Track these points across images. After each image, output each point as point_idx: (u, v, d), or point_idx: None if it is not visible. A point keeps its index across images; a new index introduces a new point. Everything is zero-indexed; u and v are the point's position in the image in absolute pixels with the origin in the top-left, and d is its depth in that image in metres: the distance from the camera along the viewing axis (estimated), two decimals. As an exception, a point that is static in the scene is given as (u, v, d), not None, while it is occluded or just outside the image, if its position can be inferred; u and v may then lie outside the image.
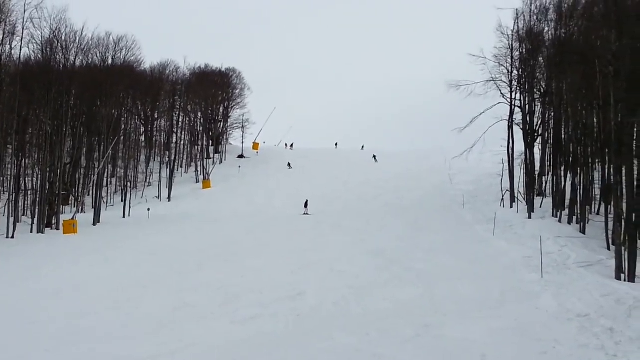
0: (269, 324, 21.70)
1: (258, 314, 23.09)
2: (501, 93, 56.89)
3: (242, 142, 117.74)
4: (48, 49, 64.35)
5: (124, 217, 67.95)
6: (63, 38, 65.24)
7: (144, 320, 22.93)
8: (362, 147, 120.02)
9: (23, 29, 57.54)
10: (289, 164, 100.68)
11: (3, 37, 57.12)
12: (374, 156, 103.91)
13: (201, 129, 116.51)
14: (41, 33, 62.29)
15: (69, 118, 71.51)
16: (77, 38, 68.29)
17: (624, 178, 31.32)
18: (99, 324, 22.51)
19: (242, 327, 21.49)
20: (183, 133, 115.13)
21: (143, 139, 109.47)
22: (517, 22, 56.22)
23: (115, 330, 21.60)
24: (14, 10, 57.10)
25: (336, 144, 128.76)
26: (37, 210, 60.36)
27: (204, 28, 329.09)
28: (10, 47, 58.57)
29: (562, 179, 48.67)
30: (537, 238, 34.91)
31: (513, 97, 56.88)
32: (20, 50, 59.55)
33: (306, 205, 62.33)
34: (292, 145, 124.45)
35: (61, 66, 65.66)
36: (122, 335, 21.04)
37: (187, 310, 24.39)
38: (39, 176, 63.95)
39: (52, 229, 60.25)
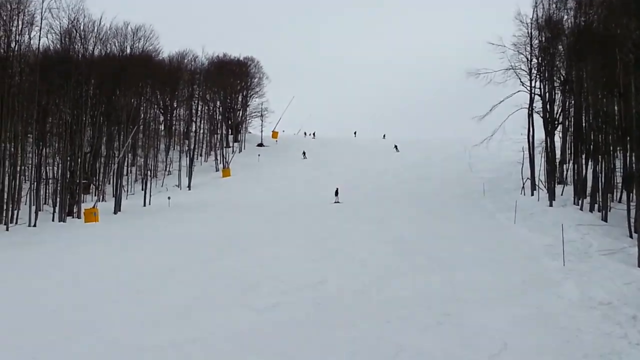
0: (290, 312, 21.69)
1: (278, 302, 23.08)
2: (521, 81, 56.60)
3: (261, 131, 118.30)
4: (66, 39, 64.80)
5: (144, 205, 68.26)
6: (81, 28, 65.76)
7: (164, 309, 22.97)
8: (384, 136, 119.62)
9: (42, 18, 58.07)
10: (303, 153, 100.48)
11: (22, 27, 57.59)
12: (395, 146, 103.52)
13: (220, 117, 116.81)
14: (59, 23, 62.81)
15: (88, 107, 71.99)
16: (95, 28, 68.90)
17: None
18: (119, 312, 22.58)
19: (263, 316, 21.49)
20: (202, 122, 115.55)
21: (162, 128, 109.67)
22: (536, 10, 55.97)
23: (136, 319, 21.65)
24: (32, 1, 57.46)
25: (355, 133, 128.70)
26: (58, 199, 60.78)
27: (221, 17, 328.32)
28: (29, 37, 59.07)
29: (583, 167, 48.35)
30: (558, 226, 34.70)
31: (533, 85, 56.57)
32: (39, 40, 60.19)
33: (337, 193, 61.98)
34: (314, 134, 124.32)
35: (80, 56, 66.08)
36: (142, 323, 21.09)
37: (207, 298, 24.42)
38: (60, 165, 64.37)
39: (73, 217, 60.74)
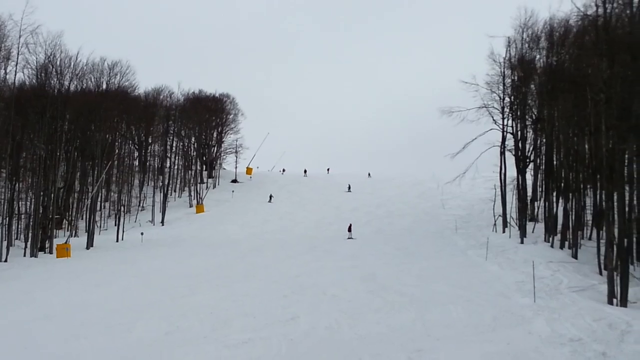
0: (261, 349, 21.64)
1: (250, 338, 23.02)
2: (493, 119, 57.43)
3: (236, 167, 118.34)
4: (43, 74, 64.58)
5: (117, 241, 67.94)
6: (58, 63, 65.49)
7: (135, 345, 22.85)
8: (369, 174, 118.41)
9: (18, 54, 57.80)
10: (270, 197, 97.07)
11: (-2, 62, 57.32)
12: (349, 186, 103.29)
13: (195, 153, 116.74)
14: (36, 58, 62.58)
15: (63, 142, 71.63)
16: (72, 63, 68.54)
17: (615, 204, 31.48)
18: (90, 349, 22.43)
19: (234, 352, 21.43)
20: (177, 158, 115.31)
21: (137, 164, 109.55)
22: (509, 50, 56.95)
23: (107, 355, 21.52)
24: (9, 35, 57.41)
25: (328, 170, 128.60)
26: (30, 234, 60.23)
27: (198, 55, 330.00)
28: (5, 71, 58.89)
29: (554, 204, 48.91)
30: (529, 263, 35.03)
31: (505, 123, 57.45)
32: (15, 74, 59.91)
33: (350, 229, 61.62)
34: (283, 170, 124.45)
35: (56, 91, 65.80)
36: (113, 359, 20.98)
37: (179, 334, 24.30)
38: (33, 200, 63.93)
39: (45, 252, 60.21)
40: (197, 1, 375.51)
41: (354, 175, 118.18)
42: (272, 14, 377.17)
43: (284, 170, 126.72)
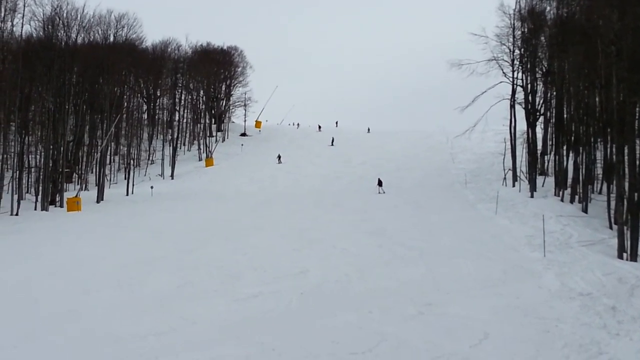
0: (272, 302, 21.74)
1: (260, 291, 23.13)
2: (503, 72, 56.93)
3: (245, 121, 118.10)
4: (49, 27, 64.29)
5: (127, 194, 68.08)
6: (64, 15, 65.21)
7: (146, 298, 23.00)
8: (368, 129, 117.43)
9: (24, 5, 57.57)
10: (278, 157, 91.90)
11: (4, 14, 56.93)
12: (332, 139, 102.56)
13: (203, 107, 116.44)
14: (42, 10, 62.42)
15: (71, 95, 71.45)
16: (79, 15, 68.19)
17: (626, 157, 31.30)
18: (100, 302, 22.57)
19: (245, 305, 21.54)
20: (185, 111, 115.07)
21: (145, 117, 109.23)
22: (519, 1, 56.23)
23: (117, 308, 21.66)
24: (15, -13, 56.94)
25: (337, 123, 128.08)
26: (40, 188, 60.44)
27: (206, 5, 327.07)
28: (12, 24, 58.44)
29: (565, 158, 48.67)
30: (539, 217, 35.06)
31: (515, 76, 56.93)
32: (22, 27, 59.71)
33: (380, 184, 60.34)
34: (297, 125, 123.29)
35: (63, 43, 65.56)
36: (123, 312, 21.09)
37: (189, 288, 24.45)
38: (42, 153, 63.99)
39: (56, 206, 60.43)
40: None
41: (354, 130, 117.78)
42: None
43: (298, 124, 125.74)
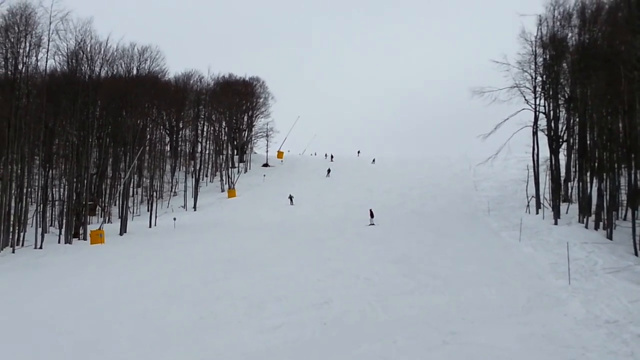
0: (295, 333, 21.71)
1: (284, 322, 23.11)
2: (525, 99, 56.96)
3: (267, 151, 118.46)
4: (73, 61, 64.98)
5: (150, 226, 68.33)
6: (88, 49, 65.90)
7: (169, 330, 23.04)
8: (373, 160, 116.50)
9: (49, 40, 58.39)
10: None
11: (29, 49, 57.81)
12: (328, 170, 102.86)
13: (226, 138, 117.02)
14: (67, 45, 63.13)
15: (95, 129, 72.22)
16: (102, 49, 68.95)
17: (651, 183, 31.13)
18: (125, 334, 22.66)
19: (268, 336, 21.52)
20: (208, 142, 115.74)
21: (168, 149, 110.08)
22: (541, 28, 56.34)
23: (141, 340, 21.72)
24: (39, 22, 57.96)
25: (358, 152, 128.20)
26: (64, 221, 60.86)
27: (228, 39, 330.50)
28: (37, 59, 59.33)
29: (588, 184, 48.42)
30: (563, 244, 34.81)
31: (537, 103, 56.91)
32: (47, 62, 60.45)
33: (372, 215, 59.39)
34: (332, 157, 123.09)
35: (87, 77, 66.24)
36: (147, 344, 21.15)
37: (212, 319, 24.48)
38: (66, 187, 64.50)
39: (79, 239, 60.73)
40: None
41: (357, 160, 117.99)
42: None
43: (332, 156, 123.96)
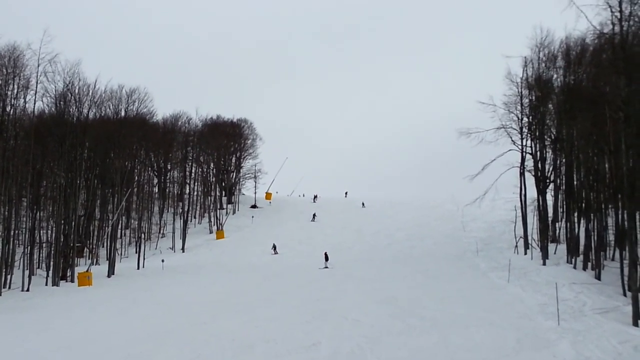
0: (284, 375, 21.59)
1: (273, 364, 22.99)
2: (512, 140, 57.32)
3: (255, 192, 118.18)
4: (61, 102, 65.15)
5: (138, 268, 68.05)
6: (76, 91, 66.11)
7: (158, 373, 22.88)
8: (363, 204, 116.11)
9: (37, 82, 58.45)
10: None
11: (17, 91, 58.03)
12: (314, 215, 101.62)
13: (214, 179, 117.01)
14: (55, 86, 63.24)
15: (82, 170, 72.18)
16: (90, 91, 69.19)
17: (638, 223, 31.23)
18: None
19: (257, 378, 21.39)
20: (196, 184, 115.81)
21: (156, 190, 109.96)
22: (526, 70, 56.88)
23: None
24: (27, 65, 58.08)
25: (346, 194, 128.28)
26: (52, 263, 60.55)
27: (214, 81, 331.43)
28: (25, 100, 59.53)
29: (576, 224, 48.59)
30: (552, 285, 34.85)
31: (524, 143, 57.33)
32: (34, 103, 60.54)
33: (326, 258, 59.71)
34: (314, 197, 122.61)
35: (75, 119, 66.33)
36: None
37: (201, 361, 24.31)
38: (54, 229, 64.27)
39: (67, 281, 60.41)
40: (204, 31, 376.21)
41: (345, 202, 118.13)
42: (274, 39, 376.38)
43: (315, 196, 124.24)
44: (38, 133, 62.21)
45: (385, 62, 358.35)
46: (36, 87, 58.73)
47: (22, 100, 59.28)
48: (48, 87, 62.24)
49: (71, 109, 66.39)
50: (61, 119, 65.54)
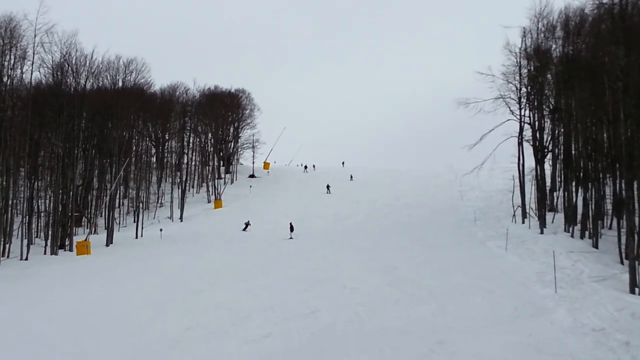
0: (282, 343, 21.66)
1: (271, 332, 23.05)
2: (510, 110, 57.09)
3: (253, 162, 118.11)
4: (59, 73, 64.94)
5: (136, 237, 68.09)
6: (73, 62, 65.90)
7: (156, 341, 22.93)
8: (351, 177, 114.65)
9: (34, 53, 58.25)
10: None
11: (14, 62, 57.80)
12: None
13: (212, 149, 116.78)
14: (52, 57, 63.03)
15: (80, 140, 71.96)
16: (88, 61, 69.04)
17: (635, 192, 31.24)
18: (111, 346, 22.54)
19: (255, 346, 21.46)
20: (194, 154, 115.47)
21: (154, 160, 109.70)
22: (525, 40, 56.55)
23: (127, 352, 21.60)
24: (24, 35, 57.89)
25: (343, 163, 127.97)
26: (50, 232, 60.60)
27: (213, 50, 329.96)
28: (22, 71, 59.31)
29: (574, 194, 48.57)
30: (549, 253, 34.90)
31: (522, 113, 57.02)
32: (32, 74, 60.44)
33: (292, 229, 59.94)
34: (305, 167, 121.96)
35: (72, 89, 66.18)
36: (134, 355, 21.05)
37: (199, 330, 24.37)
38: (52, 198, 64.24)
39: (65, 250, 60.54)
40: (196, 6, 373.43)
41: (363, 169, 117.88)
42: (268, 17, 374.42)
43: (305, 167, 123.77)
44: (35, 103, 62.04)
45: (387, 34, 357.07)
46: (33, 57, 58.61)
47: (19, 71, 59.18)
48: (45, 57, 62.10)
49: (68, 80, 66.34)
50: (58, 89, 65.42)
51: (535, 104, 56.89)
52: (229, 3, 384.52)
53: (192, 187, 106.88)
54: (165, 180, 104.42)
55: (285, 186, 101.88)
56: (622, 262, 34.70)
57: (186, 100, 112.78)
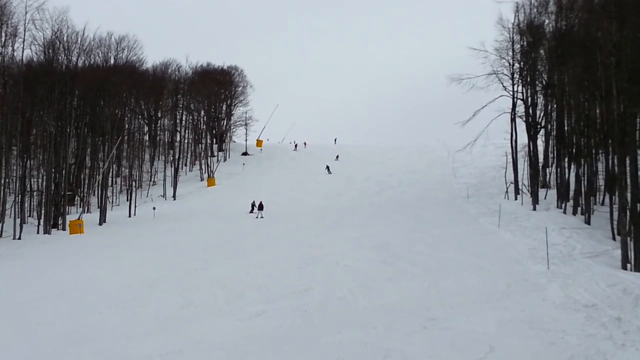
0: (276, 320, 21.72)
1: (265, 310, 23.11)
2: (503, 86, 57.00)
3: (246, 140, 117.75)
4: (50, 50, 64.59)
5: (129, 216, 68.14)
6: (65, 39, 65.52)
7: (150, 319, 22.99)
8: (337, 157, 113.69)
9: (25, 30, 58.01)
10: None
11: (5, 39, 57.52)
12: (327, 167, 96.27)
13: (204, 127, 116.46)
14: (43, 34, 62.69)
15: (72, 118, 71.73)
16: (79, 39, 68.60)
17: (627, 168, 31.30)
18: (105, 324, 22.58)
19: (249, 324, 21.52)
20: (186, 132, 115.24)
21: (147, 138, 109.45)
22: (518, 15, 56.39)
23: (122, 329, 21.66)
24: (15, 12, 57.57)
25: (335, 140, 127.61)
26: (43, 211, 60.59)
27: (205, 27, 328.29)
28: (13, 49, 59.04)
29: (566, 170, 48.65)
30: (542, 229, 35.02)
31: (515, 89, 56.97)
32: (23, 51, 60.08)
33: (260, 207, 59.46)
34: (296, 145, 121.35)
35: (64, 67, 65.82)
36: (128, 334, 21.09)
37: (193, 308, 24.44)
38: (44, 177, 64.13)
39: (58, 229, 60.52)
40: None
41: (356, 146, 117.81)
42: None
43: (296, 145, 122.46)
44: (27, 81, 61.83)
45: (376, 11, 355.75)
46: (24, 35, 58.41)
47: (10, 49, 58.92)
48: (36, 35, 61.82)
49: (60, 57, 65.92)
50: (50, 67, 65.08)
51: (528, 79, 56.90)
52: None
53: (185, 165, 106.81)
54: (158, 159, 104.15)
55: (278, 163, 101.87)
56: (614, 238, 34.88)
57: (178, 78, 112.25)
